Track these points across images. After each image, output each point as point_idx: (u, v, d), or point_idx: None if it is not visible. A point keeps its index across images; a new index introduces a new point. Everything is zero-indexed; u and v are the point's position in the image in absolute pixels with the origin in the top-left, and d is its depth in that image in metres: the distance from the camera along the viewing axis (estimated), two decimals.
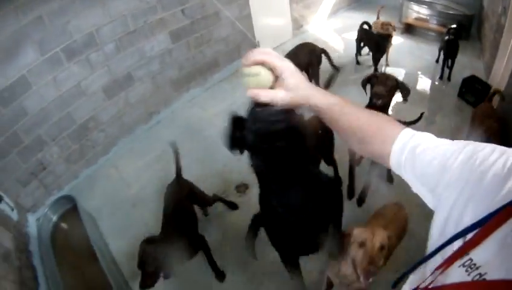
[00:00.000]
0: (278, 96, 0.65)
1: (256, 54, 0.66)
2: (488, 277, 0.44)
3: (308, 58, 3.57)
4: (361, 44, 4.55)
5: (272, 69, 0.65)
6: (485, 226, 0.46)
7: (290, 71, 0.66)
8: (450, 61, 4.11)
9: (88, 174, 3.08)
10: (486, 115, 2.64)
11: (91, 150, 3.06)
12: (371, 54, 4.43)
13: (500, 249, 0.44)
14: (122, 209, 2.70)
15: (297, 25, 5.77)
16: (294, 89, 0.66)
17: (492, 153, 0.51)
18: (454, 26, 4.05)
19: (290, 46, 5.01)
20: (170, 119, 3.80)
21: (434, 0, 6.41)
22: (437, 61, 4.58)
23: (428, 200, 0.61)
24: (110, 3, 2.90)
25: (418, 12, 6.00)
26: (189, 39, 3.87)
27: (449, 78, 4.21)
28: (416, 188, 0.62)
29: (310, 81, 2.72)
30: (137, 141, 3.49)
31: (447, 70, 4.19)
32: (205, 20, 3.99)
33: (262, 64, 0.65)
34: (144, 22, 3.28)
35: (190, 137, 3.36)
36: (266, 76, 0.64)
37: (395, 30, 4.13)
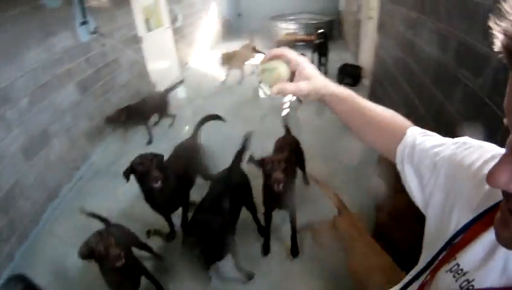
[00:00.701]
0: (302, 86, 0.65)
1: (273, 51, 0.68)
2: (476, 284, 0.43)
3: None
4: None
5: (288, 63, 0.67)
6: (469, 231, 0.45)
7: (306, 62, 0.68)
8: (323, 59, 5.42)
9: (24, 251, 2.55)
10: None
11: (20, 223, 2.57)
12: None
13: (487, 255, 0.43)
14: (73, 277, 2.38)
15: (183, 63, 6.35)
16: (313, 77, 0.66)
17: (473, 153, 0.50)
18: (321, 31, 5.43)
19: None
20: (93, 172, 3.56)
21: (297, 16, 8.30)
22: (312, 61, 5.96)
23: (419, 200, 0.59)
24: (22, 55, 2.66)
25: (287, 28, 7.64)
26: (95, 88, 3.80)
27: (326, 73, 5.43)
28: (412, 184, 0.60)
29: None
30: (66, 201, 3.12)
31: (322, 69, 5.39)
32: (107, 68, 4.02)
33: (279, 58, 0.68)
34: (53, 74, 3.07)
35: (119, 181, 3.19)
36: (284, 68, 0.65)
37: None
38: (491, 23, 0.31)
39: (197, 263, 1.86)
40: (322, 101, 0.71)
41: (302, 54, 0.84)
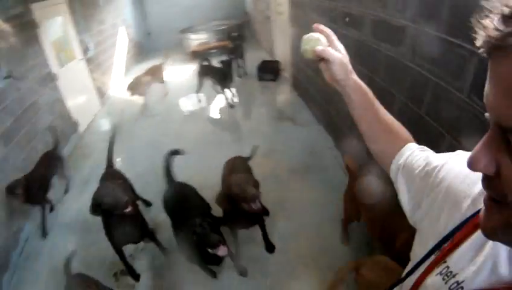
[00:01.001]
0: (336, 54, 0.71)
1: (315, 27, 0.77)
2: (465, 286, 0.43)
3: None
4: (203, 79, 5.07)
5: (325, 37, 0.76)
6: (458, 234, 0.45)
7: (337, 40, 0.76)
8: (240, 61, 5.57)
9: None
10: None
11: None
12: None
13: (475, 255, 0.43)
14: None
15: (102, 93, 6.07)
16: (343, 50, 0.75)
17: (463, 160, 0.43)
18: (235, 34, 5.59)
19: (102, 115, 5.38)
20: (39, 233, 3.21)
21: (207, 25, 8.29)
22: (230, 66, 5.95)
23: (408, 209, 0.60)
24: None
25: (198, 38, 7.64)
26: (19, 137, 3.47)
27: (246, 73, 5.71)
28: (402, 194, 0.62)
29: None
30: (18, 268, 2.78)
31: (241, 70, 5.62)
32: (27, 113, 3.70)
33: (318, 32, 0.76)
34: None
35: (72, 234, 2.97)
36: (323, 39, 0.75)
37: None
38: (473, 21, 0.31)
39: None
40: (341, 86, 0.74)
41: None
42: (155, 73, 5.44)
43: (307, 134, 3.88)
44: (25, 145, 3.55)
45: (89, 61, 5.60)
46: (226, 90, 4.69)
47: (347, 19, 2.86)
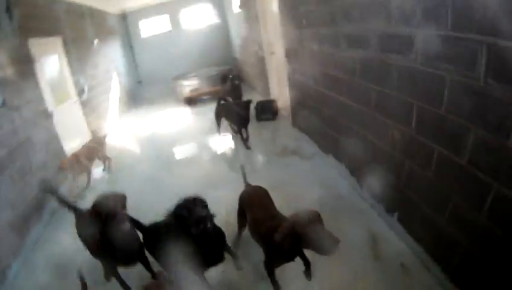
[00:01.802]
0: None
1: None
2: None
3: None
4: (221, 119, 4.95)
5: None
6: None
7: None
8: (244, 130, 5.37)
9: None
10: None
11: None
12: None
13: None
14: None
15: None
16: None
17: None
18: (232, 75, 5.63)
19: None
20: (27, 268, 2.86)
21: (197, 72, 8.47)
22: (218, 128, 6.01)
23: None
24: None
25: (190, 85, 7.73)
26: (12, 171, 3.21)
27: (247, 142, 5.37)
28: None
29: None
30: None
31: None
32: (21, 148, 3.48)
33: None
34: None
35: (66, 272, 2.63)
36: None
37: None
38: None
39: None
40: None
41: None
42: (96, 146, 4.50)
43: (315, 165, 3.70)
44: (18, 180, 3.27)
45: (83, 103, 5.55)
46: (243, 130, 4.51)
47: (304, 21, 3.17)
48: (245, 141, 4.50)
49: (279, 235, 1.63)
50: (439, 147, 1.68)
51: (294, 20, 3.66)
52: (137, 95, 9.38)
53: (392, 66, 1.93)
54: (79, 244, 2.88)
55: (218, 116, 4.94)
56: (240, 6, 6.89)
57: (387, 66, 1.97)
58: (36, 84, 4.03)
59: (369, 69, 2.22)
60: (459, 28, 1.40)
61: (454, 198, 1.66)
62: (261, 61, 5.95)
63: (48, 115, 4.21)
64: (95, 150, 4.41)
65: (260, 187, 2.29)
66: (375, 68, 2.13)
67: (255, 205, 2.09)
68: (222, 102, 4.84)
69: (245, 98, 5.67)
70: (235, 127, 4.70)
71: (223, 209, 2.62)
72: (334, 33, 2.66)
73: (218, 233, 1.97)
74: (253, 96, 6.52)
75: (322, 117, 3.48)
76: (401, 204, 2.20)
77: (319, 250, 1.57)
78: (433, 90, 1.63)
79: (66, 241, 3.15)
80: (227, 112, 4.71)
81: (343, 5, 2.40)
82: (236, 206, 2.29)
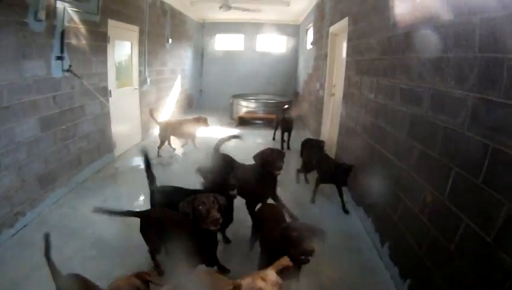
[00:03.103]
0: None
1: None
2: None
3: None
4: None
5: None
6: None
7: None
8: (286, 135, 5.73)
9: None
10: None
11: None
12: None
13: None
14: None
15: (146, 128, 6.21)
16: None
17: None
18: (287, 106, 5.79)
19: (140, 149, 5.40)
20: (39, 222, 2.98)
21: (257, 96, 8.95)
22: (273, 138, 6.34)
23: None
24: None
25: (247, 106, 8.09)
26: (57, 130, 3.44)
27: (289, 147, 5.81)
28: None
29: None
30: (6, 248, 2.53)
31: (284, 144, 5.77)
32: (72, 113, 3.75)
33: None
34: (18, 99, 2.76)
35: (71, 237, 2.80)
36: None
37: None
38: None
39: None
40: None
41: None
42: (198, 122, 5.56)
43: (341, 212, 3.54)
44: (59, 140, 3.50)
45: (142, 93, 5.94)
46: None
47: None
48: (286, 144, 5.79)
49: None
50: (466, 219, 1.62)
51: (358, 66, 3.75)
52: (195, 102, 9.87)
53: (439, 127, 1.92)
54: (93, 217, 3.04)
55: (276, 125, 5.93)
56: (312, 43, 7.15)
57: (434, 126, 1.97)
58: (104, 62, 4.41)
59: (417, 126, 2.23)
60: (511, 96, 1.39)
61: (470, 279, 1.56)
62: (320, 101, 6.06)
63: (106, 93, 4.54)
64: (194, 124, 5.48)
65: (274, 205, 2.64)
66: (423, 126, 2.13)
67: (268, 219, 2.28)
68: (285, 115, 5.63)
69: (294, 133, 6.05)
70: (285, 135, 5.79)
71: None
72: (391, 85, 2.70)
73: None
74: (304, 134, 6.77)
75: (361, 168, 3.39)
76: (416, 273, 2.11)
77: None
78: (474, 158, 1.59)
79: (82, 211, 3.25)
80: (283, 123, 5.68)
81: (404, 58, 2.46)
82: None
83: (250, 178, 2.76)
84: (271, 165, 2.67)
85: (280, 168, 2.67)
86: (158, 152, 5.20)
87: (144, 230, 2.24)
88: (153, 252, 2.31)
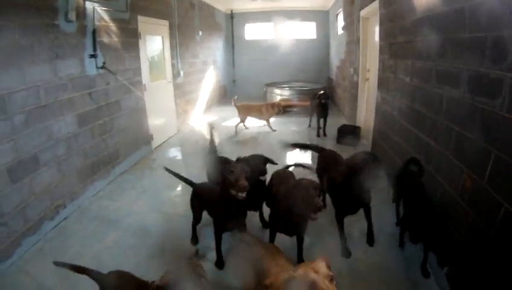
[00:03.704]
0: None
1: None
2: None
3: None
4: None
5: None
6: None
7: None
8: (322, 121, 5.65)
9: None
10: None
11: None
12: None
13: None
14: None
15: (181, 119, 6.37)
16: None
17: None
18: (322, 92, 5.65)
19: (176, 140, 5.58)
20: (79, 214, 3.18)
21: (291, 84, 8.88)
22: (309, 125, 6.28)
23: None
24: (26, 69, 2.53)
25: (281, 94, 8.07)
26: (94, 125, 3.61)
27: (325, 134, 5.75)
28: None
29: None
30: (46, 239, 2.70)
31: (320, 131, 5.73)
32: (108, 108, 3.91)
33: None
34: (54, 98, 2.93)
35: (111, 228, 2.94)
36: None
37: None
38: None
39: None
40: None
41: None
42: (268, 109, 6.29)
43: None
44: (97, 135, 3.69)
45: (176, 86, 6.08)
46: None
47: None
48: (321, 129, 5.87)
49: None
50: (507, 204, 1.54)
51: (392, 49, 3.66)
52: (229, 93, 9.94)
53: (477, 109, 1.85)
54: (132, 207, 3.33)
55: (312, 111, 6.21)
56: (343, 28, 6.89)
57: (473, 108, 1.90)
58: (137, 58, 4.55)
59: (454, 109, 2.16)
60: None
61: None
62: (354, 86, 5.90)
63: (140, 87, 4.70)
64: (269, 109, 6.24)
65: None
66: (461, 109, 2.06)
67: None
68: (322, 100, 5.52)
69: (330, 120, 5.96)
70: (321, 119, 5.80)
71: None
72: (427, 67, 2.60)
73: None
74: (339, 120, 6.60)
75: (399, 153, 3.29)
76: (455, 260, 2.01)
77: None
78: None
79: (122, 202, 3.42)
80: (319, 108, 5.66)
81: (439, 39, 2.36)
82: None
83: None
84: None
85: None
86: (235, 130, 6.20)
87: (191, 200, 2.59)
88: (194, 223, 2.62)
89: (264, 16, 9.53)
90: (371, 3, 4.42)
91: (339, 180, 2.40)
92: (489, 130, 1.74)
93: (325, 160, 2.97)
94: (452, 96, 2.16)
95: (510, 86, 1.55)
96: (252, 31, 10.12)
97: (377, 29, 4.28)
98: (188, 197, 2.67)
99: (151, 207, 3.31)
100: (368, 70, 5.18)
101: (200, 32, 7.17)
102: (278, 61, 9.81)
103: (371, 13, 4.64)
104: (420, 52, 2.75)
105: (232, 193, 2.03)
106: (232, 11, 9.72)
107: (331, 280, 1.28)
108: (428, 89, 2.57)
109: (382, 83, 4.10)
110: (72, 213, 3.13)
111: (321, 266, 1.33)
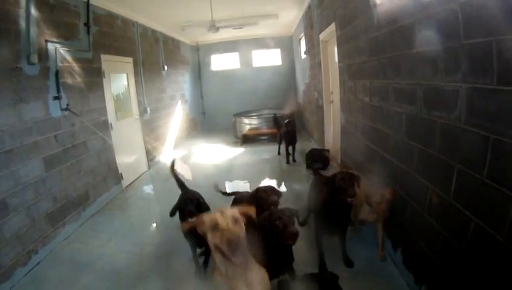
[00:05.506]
0: None
1: None
2: None
3: None
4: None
5: None
6: None
7: None
8: (291, 148, 5.89)
9: None
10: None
11: None
12: None
13: None
14: None
15: (151, 156, 6.45)
16: None
17: None
18: (288, 120, 5.93)
19: (147, 177, 5.60)
20: (51, 258, 3.19)
21: (259, 112, 9.12)
22: (279, 153, 6.49)
23: None
24: None
25: (250, 124, 8.24)
26: (62, 168, 3.67)
27: (294, 160, 5.98)
28: None
29: None
30: (20, 286, 2.72)
31: (289, 157, 5.93)
32: (75, 149, 4.00)
33: None
34: (20, 142, 3.01)
35: (83, 271, 2.95)
36: None
37: None
38: None
39: None
40: None
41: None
42: None
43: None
44: (65, 178, 3.73)
45: (144, 122, 6.23)
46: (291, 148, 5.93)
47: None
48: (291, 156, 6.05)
49: None
50: (476, 218, 1.57)
51: (350, 70, 3.81)
52: (199, 125, 10.16)
53: (436, 124, 1.91)
54: (104, 249, 3.35)
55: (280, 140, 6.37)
56: (305, 53, 7.33)
57: (431, 123, 1.96)
58: (101, 97, 4.71)
59: (414, 126, 2.23)
60: (504, 82, 1.34)
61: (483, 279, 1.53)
62: (320, 109, 6.15)
63: (106, 127, 4.81)
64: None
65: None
66: (420, 125, 2.13)
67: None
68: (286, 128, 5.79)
69: (299, 144, 6.23)
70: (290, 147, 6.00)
71: None
72: (384, 86, 2.72)
73: None
74: (309, 144, 6.89)
75: (366, 174, 3.31)
76: (431, 277, 2.08)
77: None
78: (475, 153, 1.55)
79: (93, 245, 3.43)
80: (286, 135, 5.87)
81: (393, 56, 2.47)
82: None
83: None
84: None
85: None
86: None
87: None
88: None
89: (229, 45, 10.05)
90: (327, 26, 4.69)
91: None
92: (449, 144, 1.77)
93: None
94: (410, 113, 2.23)
95: (466, 96, 1.58)
96: (218, 62, 10.57)
97: (336, 51, 4.51)
98: (157, 238, 2.73)
99: (122, 249, 3.33)
100: (332, 93, 5.46)
101: (166, 67, 7.47)
102: (246, 90, 10.22)
103: (329, 36, 4.88)
104: (376, 72, 2.86)
105: (282, 241, 1.98)
106: (197, 42, 10.15)
107: (236, 221, 1.51)
108: (387, 107, 2.66)
109: (344, 105, 4.28)
110: (45, 258, 3.12)
111: (229, 209, 1.57)
